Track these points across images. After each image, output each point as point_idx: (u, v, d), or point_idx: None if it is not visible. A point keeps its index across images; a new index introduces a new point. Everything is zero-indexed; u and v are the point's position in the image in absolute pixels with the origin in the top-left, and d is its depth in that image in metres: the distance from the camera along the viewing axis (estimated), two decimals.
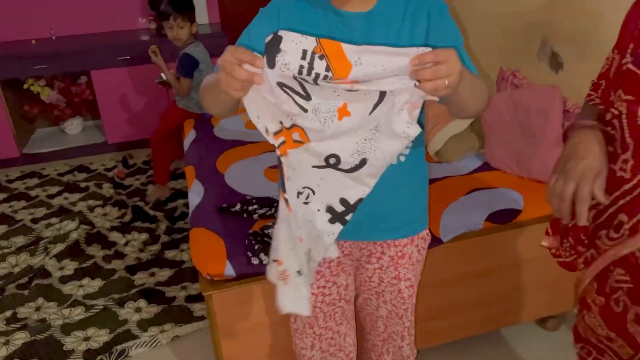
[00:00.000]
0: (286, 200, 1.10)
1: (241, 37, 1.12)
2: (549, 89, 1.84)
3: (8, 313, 2.25)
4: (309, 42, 0.93)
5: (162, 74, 2.83)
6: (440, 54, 0.85)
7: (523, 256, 1.86)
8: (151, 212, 2.96)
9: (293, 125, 1.02)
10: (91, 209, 3.02)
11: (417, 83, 0.88)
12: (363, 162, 1.04)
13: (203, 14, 3.91)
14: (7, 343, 2.07)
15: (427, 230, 1.35)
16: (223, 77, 0.91)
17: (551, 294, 1.97)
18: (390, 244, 1.28)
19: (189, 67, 2.74)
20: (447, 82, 0.86)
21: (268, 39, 0.93)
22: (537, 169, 1.87)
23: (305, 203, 1.09)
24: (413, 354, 1.46)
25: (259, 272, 1.59)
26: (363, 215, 1.13)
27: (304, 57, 0.93)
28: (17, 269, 2.53)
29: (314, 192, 1.09)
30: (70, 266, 2.53)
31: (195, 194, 1.98)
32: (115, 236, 2.76)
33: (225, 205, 1.83)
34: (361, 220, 1.16)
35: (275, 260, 1.17)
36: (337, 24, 1.08)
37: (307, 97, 0.98)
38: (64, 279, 2.44)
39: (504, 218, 1.78)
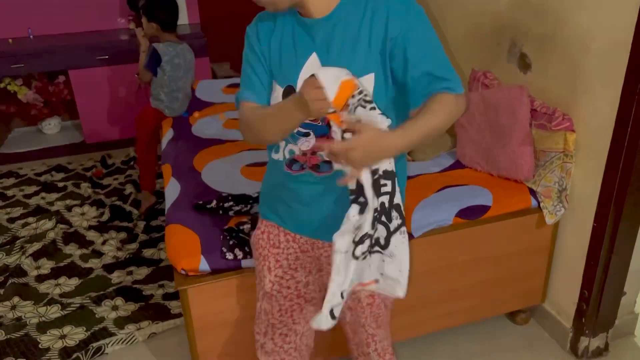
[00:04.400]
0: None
1: (243, 66, 1.19)
2: (517, 89, 1.90)
3: None
4: None
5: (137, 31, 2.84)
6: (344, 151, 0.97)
7: (492, 251, 1.91)
8: (129, 210, 2.96)
9: None
10: (69, 208, 3.01)
11: None
12: None
13: (183, 14, 3.91)
14: None
15: None
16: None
17: (520, 289, 2.03)
18: None
19: (150, 60, 2.75)
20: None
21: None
22: (505, 167, 1.93)
23: None
24: None
25: (233, 268, 1.62)
26: (323, 214, 1.16)
27: None
28: None
29: None
30: (47, 265, 2.52)
31: (172, 191, 1.99)
32: (92, 235, 2.75)
33: (201, 202, 1.85)
34: (320, 220, 1.18)
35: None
36: (301, 33, 1.13)
37: None
38: (41, 278, 2.44)
39: (473, 214, 1.83)
